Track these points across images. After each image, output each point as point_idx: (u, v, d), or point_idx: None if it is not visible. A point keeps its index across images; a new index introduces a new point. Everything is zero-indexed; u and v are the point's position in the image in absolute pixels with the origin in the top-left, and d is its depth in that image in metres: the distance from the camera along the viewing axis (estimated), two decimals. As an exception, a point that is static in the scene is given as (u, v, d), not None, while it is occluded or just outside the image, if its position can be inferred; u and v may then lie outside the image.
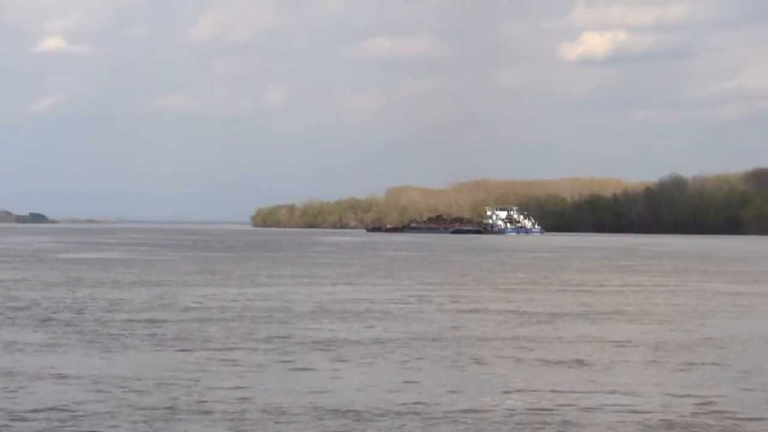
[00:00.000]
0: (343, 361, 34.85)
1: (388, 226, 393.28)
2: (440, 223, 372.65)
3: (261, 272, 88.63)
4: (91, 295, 60.50)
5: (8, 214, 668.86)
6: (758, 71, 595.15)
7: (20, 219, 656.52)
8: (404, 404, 26.94)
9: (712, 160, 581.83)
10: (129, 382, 30.15)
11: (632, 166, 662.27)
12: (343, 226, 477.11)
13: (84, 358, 35.24)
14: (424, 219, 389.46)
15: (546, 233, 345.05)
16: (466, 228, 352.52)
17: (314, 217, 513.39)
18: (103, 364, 33.72)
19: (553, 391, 29.05)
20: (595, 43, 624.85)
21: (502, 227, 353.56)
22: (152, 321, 46.66)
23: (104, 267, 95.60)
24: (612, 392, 29.18)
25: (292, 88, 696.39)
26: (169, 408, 26.31)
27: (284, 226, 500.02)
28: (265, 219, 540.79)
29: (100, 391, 28.77)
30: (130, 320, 46.93)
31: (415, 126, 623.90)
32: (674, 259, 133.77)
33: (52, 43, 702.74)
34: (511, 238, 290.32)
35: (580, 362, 34.97)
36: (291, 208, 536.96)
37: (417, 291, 67.39)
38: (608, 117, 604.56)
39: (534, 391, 29.18)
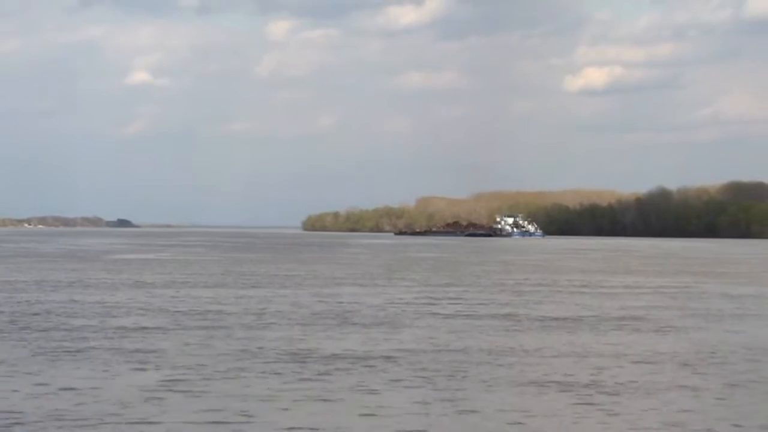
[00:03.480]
0: (317, 380, 25.22)
1: (417, 229, 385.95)
2: (457, 227, 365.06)
3: (281, 273, 79.14)
4: (91, 298, 51.02)
5: (99, 219, 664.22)
6: (731, 100, 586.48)
7: (109, 224, 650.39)
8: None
9: (693, 174, 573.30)
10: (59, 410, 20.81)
11: (625, 180, 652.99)
12: (379, 230, 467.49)
13: (23, 375, 25.96)
14: (443, 224, 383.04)
15: (547, 236, 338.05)
16: (479, 232, 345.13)
17: (355, 223, 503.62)
18: (39, 384, 24.32)
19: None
20: (595, 76, 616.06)
21: (510, 231, 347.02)
22: (125, 329, 37.09)
23: (140, 267, 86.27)
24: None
25: (340, 115, 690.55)
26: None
27: (329, 230, 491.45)
28: (314, 224, 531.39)
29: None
30: (104, 328, 37.38)
31: (442, 146, 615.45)
32: (665, 260, 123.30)
33: (140, 77, 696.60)
34: (516, 241, 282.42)
35: (604, 386, 25.42)
36: (335, 215, 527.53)
37: (425, 293, 57.64)
38: (605, 138, 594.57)
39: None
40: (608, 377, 26.90)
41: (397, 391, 24.71)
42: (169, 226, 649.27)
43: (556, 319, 42.83)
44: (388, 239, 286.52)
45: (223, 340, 33.74)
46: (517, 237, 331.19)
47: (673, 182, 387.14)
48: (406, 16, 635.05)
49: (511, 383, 25.79)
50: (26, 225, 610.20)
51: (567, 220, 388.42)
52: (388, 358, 30.02)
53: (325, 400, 23.40)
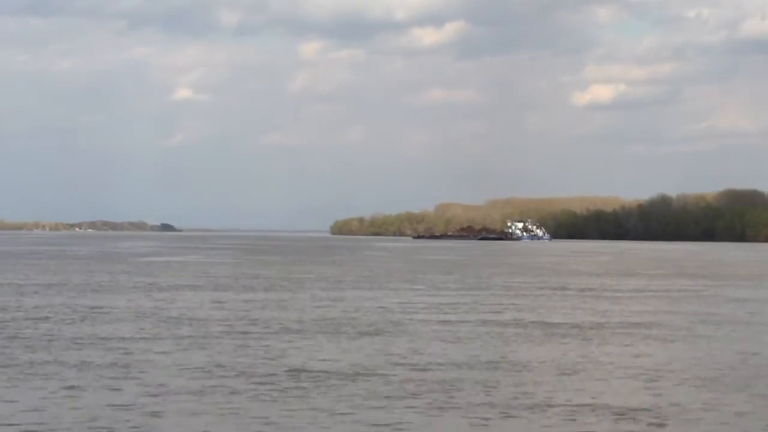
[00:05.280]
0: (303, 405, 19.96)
1: (434, 233, 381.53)
2: (470, 231, 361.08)
3: (297, 275, 73.93)
4: (89, 302, 45.87)
5: (144, 223, 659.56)
6: (726, 115, 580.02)
7: (153, 228, 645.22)
8: None
9: (692, 182, 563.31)
10: None
11: (629, 187, 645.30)
12: (401, 234, 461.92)
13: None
14: (457, 229, 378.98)
15: (553, 240, 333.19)
16: (491, 236, 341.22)
17: (378, 227, 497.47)
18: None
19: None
20: (601, 92, 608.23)
21: (519, 235, 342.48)
22: (104, 339, 31.85)
23: (160, 269, 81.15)
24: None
25: (366, 128, 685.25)
26: None
27: (355, 234, 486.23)
28: (341, 228, 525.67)
29: None
30: (84, 337, 32.18)
31: (460, 156, 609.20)
32: (668, 262, 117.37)
33: (183, 93, 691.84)
34: (526, 244, 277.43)
35: (622, 411, 19.85)
36: (361, 220, 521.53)
37: (431, 296, 52.30)
38: (610, 149, 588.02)
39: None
40: (626, 399, 21.58)
41: (381, 416, 19.49)
42: (209, 230, 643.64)
43: (565, 325, 37.44)
44: (407, 242, 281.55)
45: (206, 353, 28.52)
46: (526, 240, 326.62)
47: (673, 190, 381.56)
48: (427, 37, 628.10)
49: (510, 408, 20.49)
50: (77, 229, 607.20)
51: (574, 225, 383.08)
52: (378, 374, 24.81)
53: (307, 424, 18.25)
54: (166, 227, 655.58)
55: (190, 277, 69.73)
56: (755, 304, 50.65)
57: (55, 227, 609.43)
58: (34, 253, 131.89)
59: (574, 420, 19.34)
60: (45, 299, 47.27)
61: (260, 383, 23.13)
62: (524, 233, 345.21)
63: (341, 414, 19.76)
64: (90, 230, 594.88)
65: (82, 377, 23.87)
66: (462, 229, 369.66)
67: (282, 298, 50.17)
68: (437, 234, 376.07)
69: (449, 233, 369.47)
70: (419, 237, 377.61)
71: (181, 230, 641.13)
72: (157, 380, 23.43)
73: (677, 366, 26.85)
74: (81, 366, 25.60)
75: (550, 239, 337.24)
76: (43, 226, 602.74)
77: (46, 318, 37.92)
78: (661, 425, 19.02)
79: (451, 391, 22.42)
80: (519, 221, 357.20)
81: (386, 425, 18.85)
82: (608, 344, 31.78)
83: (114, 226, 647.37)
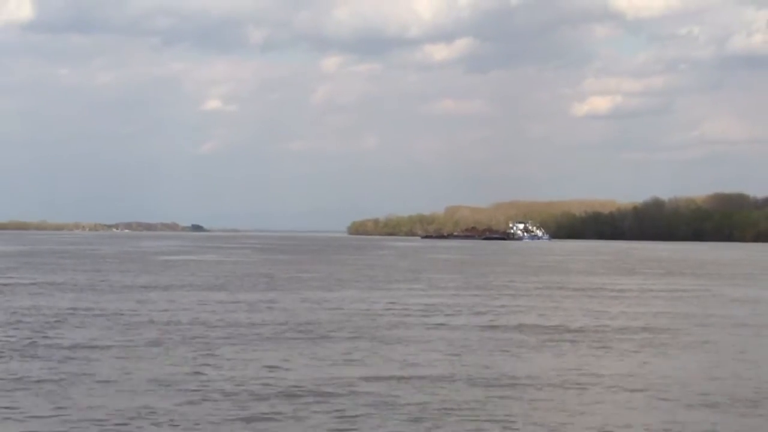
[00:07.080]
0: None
1: (442, 233, 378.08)
2: (475, 231, 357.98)
3: (301, 273, 68.89)
4: (74, 303, 40.93)
5: (176, 224, 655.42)
6: (715, 124, 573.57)
7: (184, 228, 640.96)
8: None
9: (683, 187, 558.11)
10: None
11: (624, 191, 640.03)
12: (413, 234, 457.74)
13: None
14: (462, 229, 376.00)
15: (552, 240, 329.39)
16: (494, 236, 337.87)
17: (392, 228, 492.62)
18: None
19: None
20: (599, 103, 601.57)
21: (520, 235, 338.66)
22: (57, 347, 26.85)
23: (170, 267, 76.20)
24: None
25: (381, 136, 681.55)
26: None
27: (370, 234, 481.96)
28: (357, 229, 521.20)
29: None
30: (39, 345, 27.23)
31: (468, 162, 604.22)
32: (664, 261, 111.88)
33: (213, 104, 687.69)
34: (525, 244, 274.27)
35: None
36: (376, 221, 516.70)
37: (428, 296, 47.21)
38: (607, 156, 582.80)
39: None
40: (631, 423, 16.58)
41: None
42: (235, 230, 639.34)
43: (562, 329, 32.35)
44: (417, 242, 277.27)
45: (161, 363, 23.56)
46: (526, 240, 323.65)
47: (666, 193, 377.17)
48: (439, 53, 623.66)
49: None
50: (114, 229, 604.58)
51: (573, 226, 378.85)
52: (355, 392, 19.84)
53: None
54: (197, 228, 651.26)
55: (193, 275, 64.85)
56: (757, 305, 45.52)
57: (94, 228, 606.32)
58: (64, 252, 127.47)
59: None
60: (30, 300, 42.43)
61: (211, 400, 18.21)
62: (525, 233, 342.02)
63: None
64: (126, 231, 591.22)
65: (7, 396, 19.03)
66: (467, 230, 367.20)
67: (276, 298, 45.19)
68: (444, 234, 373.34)
69: (455, 233, 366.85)
70: (427, 237, 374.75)
71: (209, 230, 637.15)
72: (93, 401, 18.54)
73: (684, 378, 21.82)
74: (13, 381, 20.72)
75: (548, 239, 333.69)
76: (83, 227, 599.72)
77: (15, 321, 33.05)
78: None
79: (428, 409, 17.45)
80: (520, 222, 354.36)
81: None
82: (610, 352, 26.74)
83: (148, 227, 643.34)
